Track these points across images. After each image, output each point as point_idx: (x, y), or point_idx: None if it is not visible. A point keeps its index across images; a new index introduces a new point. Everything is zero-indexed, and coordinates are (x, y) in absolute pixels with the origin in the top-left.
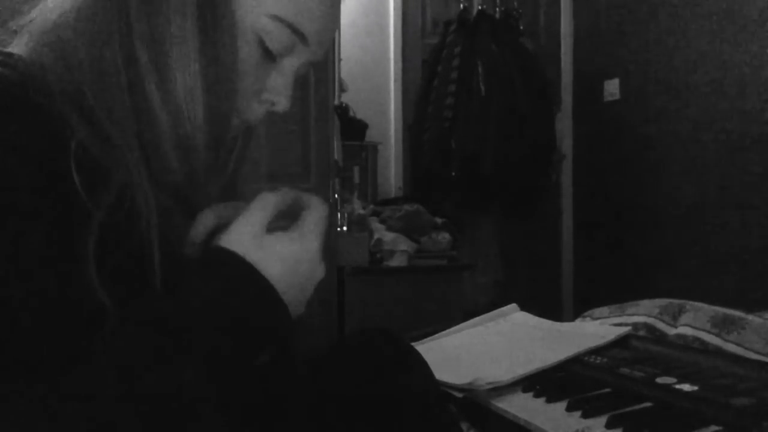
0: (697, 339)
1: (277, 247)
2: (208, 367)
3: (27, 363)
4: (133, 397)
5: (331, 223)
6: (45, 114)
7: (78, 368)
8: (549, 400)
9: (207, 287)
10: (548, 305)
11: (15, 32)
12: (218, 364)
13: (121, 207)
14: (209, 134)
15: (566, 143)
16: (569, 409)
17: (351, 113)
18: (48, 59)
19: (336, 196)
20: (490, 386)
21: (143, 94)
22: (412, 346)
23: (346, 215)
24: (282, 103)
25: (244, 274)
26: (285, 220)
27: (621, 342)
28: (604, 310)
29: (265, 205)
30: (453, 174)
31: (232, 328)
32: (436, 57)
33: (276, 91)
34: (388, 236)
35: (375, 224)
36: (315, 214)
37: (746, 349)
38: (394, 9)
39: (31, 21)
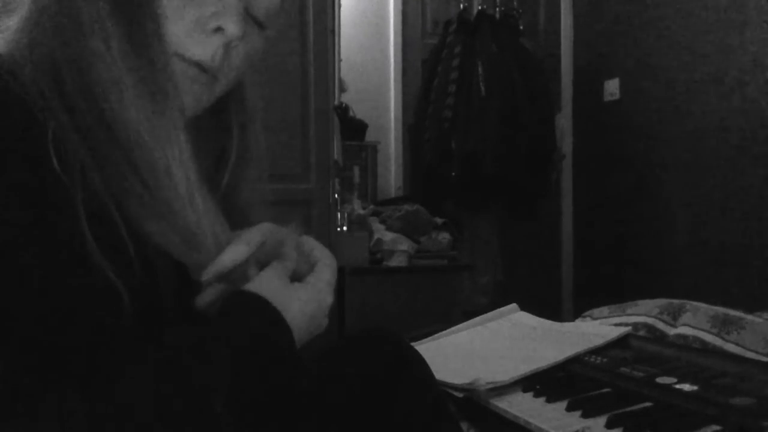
0: (697, 339)
1: (300, 297)
2: (229, 393)
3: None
4: (162, 412)
5: (330, 223)
6: (24, 102)
7: (113, 375)
8: (549, 400)
9: (240, 328)
10: (548, 305)
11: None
12: (239, 392)
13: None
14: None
15: (566, 143)
16: (569, 409)
17: (351, 113)
18: (20, 55)
19: (336, 196)
20: (490, 386)
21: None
22: (412, 346)
23: (346, 215)
24: (231, 29)
25: (273, 321)
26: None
27: (621, 342)
28: (604, 310)
29: (289, 259)
30: (453, 174)
31: (254, 368)
32: (436, 57)
33: (221, 15)
34: (388, 236)
35: (375, 224)
36: (328, 268)
37: (746, 349)
38: (394, 9)
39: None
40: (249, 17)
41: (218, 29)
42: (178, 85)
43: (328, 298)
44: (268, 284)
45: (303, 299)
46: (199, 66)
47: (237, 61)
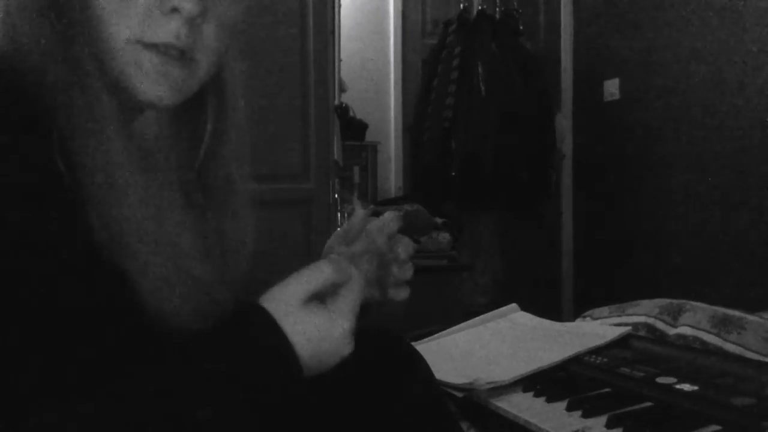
0: (697, 339)
1: (313, 321)
2: (222, 411)
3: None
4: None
5: (330, 224)
6: (25, 99)
7: (114, 383)
8: (549, 400)
9: (238, 345)
10: (548, 305)
11: None
12: (232, 410)
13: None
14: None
15: (566, 143)
16: (569, 409)
17: (351, 113)
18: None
19: (336, 196)
20: (490, 386)
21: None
22: (412, 346)
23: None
24: (186, 6)
25: (276, 344)
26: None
27: (621, 342)
28: (604, 310)
29: (317, 276)
30: (453, 174)
31: (249, 387)
32: (436, 57)
33: None
34: None
35: None
36: (353, 292)
37: (746, 349)
38: (394, 9)
39: None
40: None
41: (174, 9)
42: (140, 74)
43: (346, 324)
44: (279, 301)
45: (315, 324)
46: (165, 47)
47: (212, 35)
